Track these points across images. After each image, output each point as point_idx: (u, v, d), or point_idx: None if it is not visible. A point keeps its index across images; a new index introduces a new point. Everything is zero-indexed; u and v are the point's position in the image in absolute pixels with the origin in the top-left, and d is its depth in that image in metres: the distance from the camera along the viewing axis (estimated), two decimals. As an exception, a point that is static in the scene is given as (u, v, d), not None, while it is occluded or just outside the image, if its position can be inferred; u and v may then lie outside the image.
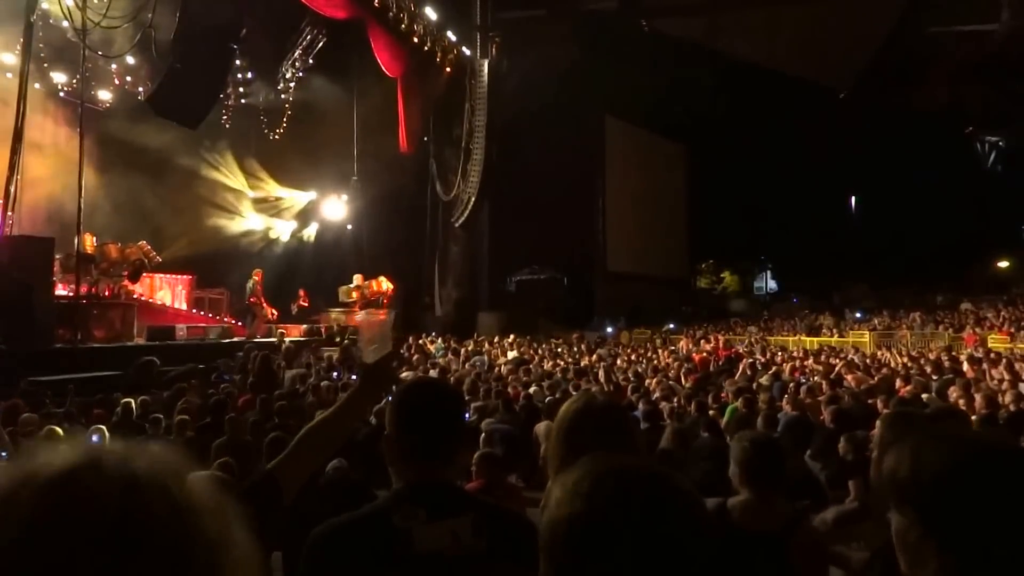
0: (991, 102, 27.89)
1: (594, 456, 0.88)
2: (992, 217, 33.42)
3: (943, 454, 0.95)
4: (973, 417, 5.75)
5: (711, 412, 6.96)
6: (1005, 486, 0.91)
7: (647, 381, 9.86)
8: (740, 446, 2.54)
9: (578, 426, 1.61)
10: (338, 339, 16.33)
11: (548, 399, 8.01)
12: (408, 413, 1.56)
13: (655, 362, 13.80)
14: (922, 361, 12.40)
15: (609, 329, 23.02)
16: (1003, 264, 34.12)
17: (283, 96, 19.59)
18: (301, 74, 19.47)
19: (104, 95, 16.63)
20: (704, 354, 12.61)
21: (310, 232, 22.07)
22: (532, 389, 8.95)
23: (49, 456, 0.57)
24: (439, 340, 17.71)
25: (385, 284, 19.73)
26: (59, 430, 5.56)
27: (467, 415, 6.53)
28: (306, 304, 18.52)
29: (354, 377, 10.71)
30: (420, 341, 17.38)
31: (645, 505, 0.79)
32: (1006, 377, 9.27)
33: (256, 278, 17.08)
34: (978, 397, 6.62)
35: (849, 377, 9.95)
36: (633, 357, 14.88)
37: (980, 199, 33.31)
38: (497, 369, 12.21)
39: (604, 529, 0.77)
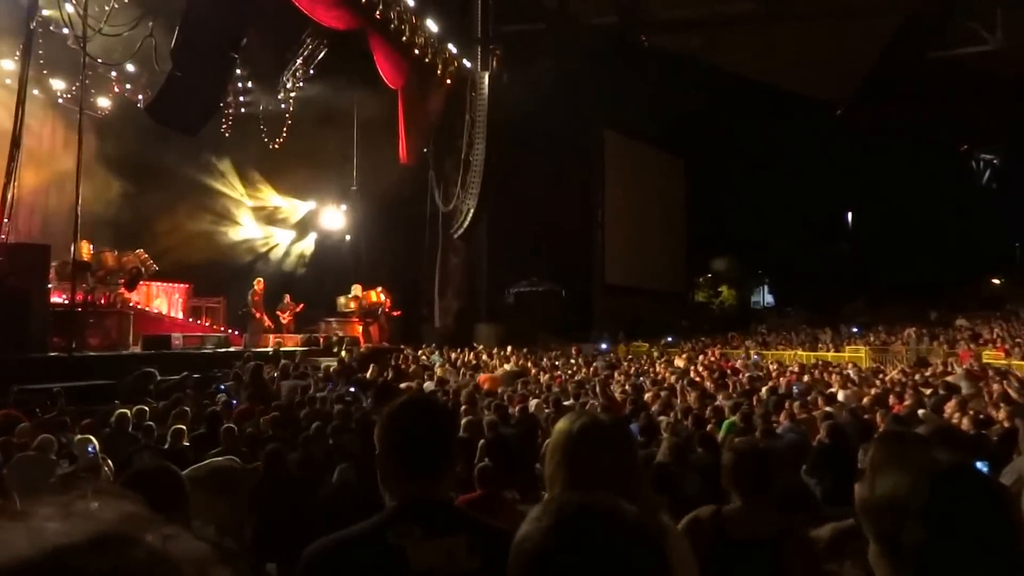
0: (986, 120, 28.12)
1: (567, 493, 0.97)
2: (986, 234, 33.63)
3: (896, 480, 1.01)
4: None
5: (708, 427, 6.95)
6: (951, 507, 0.96)
7: (645, 394, 9.84)
8: (728, 454, 2.70)
9: (581, 444, 1.60)
10: (335, 349, 16.30)
11: (548, 412, 8.00)
12: (399, 432, 1.57)
13: (652, 375, 13.80)
14: (917, 376, 12.41)
15: (604, 345, 22.99)
16: (997, 281, 34.25)
17: (283, 105, 19.65)
18: (302, 84, 19.54)
19: (103, 102, 16.66)
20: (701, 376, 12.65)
21: (309, 242, 22.07)
22: (532, 402, 8.91)
23: (78, 528, 0.53)
24: (436, 352, 17.68)
25: (382, 295, 19.74)
26: (52, 438, 5.53)
27: (460, 429, 6.51)
28: (298, 310, 18.35)
29: (352, 389, 10.69)
30: (419, 352, 17.36)
31: (593, 541, 0.85)
32: (1003, 391, 9.27)
33: (256, 287, 17.05)
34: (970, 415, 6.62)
35: (842, 393, 9.95)
36: (631, 370, 14.86)
37: (975, 216, 33.53)
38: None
39: (553, 559, 0.85)
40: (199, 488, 2.20)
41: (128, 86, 16.61)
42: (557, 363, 16.43)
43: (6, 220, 11.26)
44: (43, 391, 9.01)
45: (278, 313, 17.87)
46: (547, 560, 0.85)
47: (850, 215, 39.58)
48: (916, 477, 1.00)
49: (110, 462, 5.43)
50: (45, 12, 13.07)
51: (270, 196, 21.25)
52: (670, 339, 25.36)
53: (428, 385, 11.31)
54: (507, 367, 14.99)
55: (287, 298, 18.31)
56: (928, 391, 9.42)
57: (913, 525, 0.95)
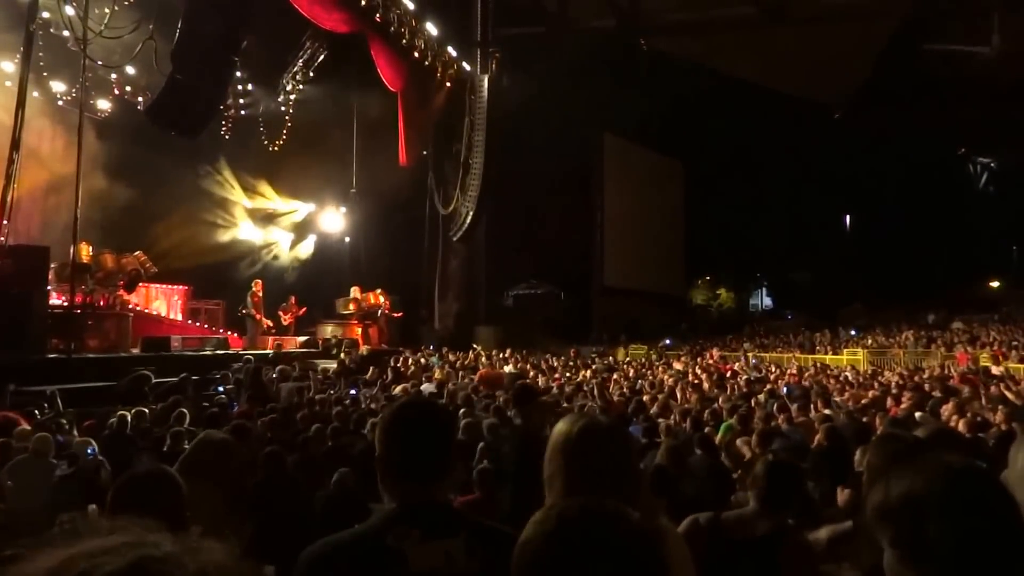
0: (983, 124, 28.19)
1: (569, 499, 0.99)
2: (983, 237, 33.71)
3: (911, 481, 1.03)
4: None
5: (706, 429, 6.96)
6: (967, 508, 0.98)
7: (644, 397, 9.84)
8: (762, 463, 2.73)
9: (580, 446, 1.61)
10: (335, 351, 16.30)
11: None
12: (399, 434, 1.58)
13: (650, 378, 13.79)
14: (916, 379, 12.42)
15: (601, 349, 23.02)
16: (994, 284, 34.31)
17: (283, 108, 19.68)
18: (302, 87, 19.58)
19: (103, 105, 16.66)
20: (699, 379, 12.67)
21: (308, 244, 22.09)
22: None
23: (89, 558, 0.57)
24: (436, 355, 17.68)
25: (381, 297, 19.75)
26: (48, 436, 5.54)
27: (459, 432, 6.52)
28: (301, 312, 18.44)
29: (352, 391, 10.69)
30: (418, 354, 17.36)
31: (595, 546, 0.87)
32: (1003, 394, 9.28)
33: (255, 289, 17.08)
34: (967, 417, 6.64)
35: (844, 395, 9.97)
36: (631, 373, 14.87)
37: (972, 219, 33.61)
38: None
39: (556, 564, 0.88)
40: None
41: (128, 88, 16.61)
42: (556, 365, 16.43)
43: (6, 222, 11.25)
44: (41, 392, 9.01)
45: (280, 313, 17.91)
46: (550, 565, 0.87)
47: (848, 218, 39.66)
48: (932, 475, 1.02)
49: (107, 465, 5.43)
50: (45, 14, 13.09)
51: (269, 198, 21.26)
52: (668, 342, 25.37)
53: (427, 387, 11.30)
54: (507, 369, 15.01)
55: (292, 300, 18.38)
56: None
57: (933, 520, 0.97)
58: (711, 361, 18.42)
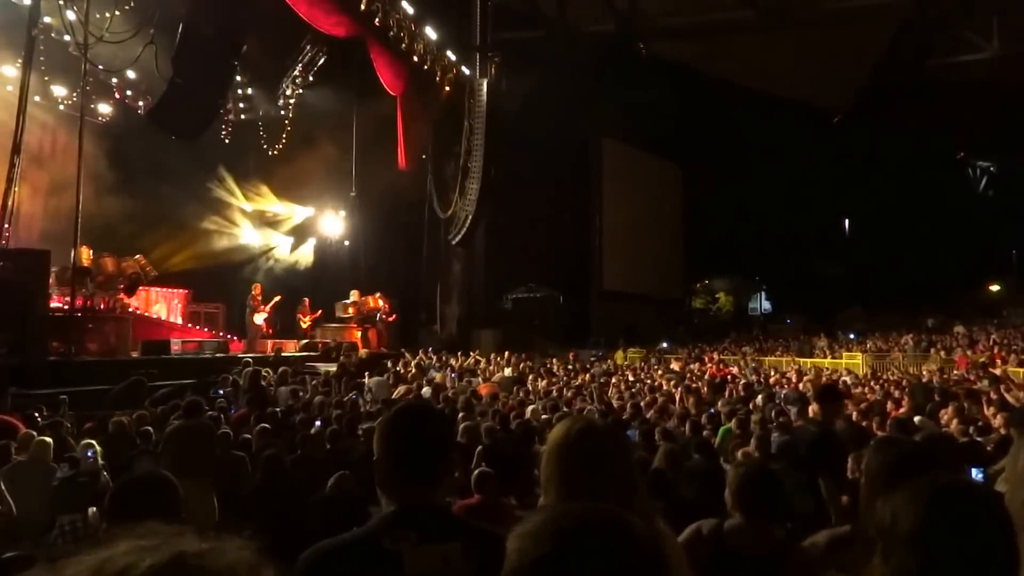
0: (982, 128, 28.23)
1: (565, 503, 0.96)
2: (983, 241, 33.73)
3: (902, 501, 1.08)
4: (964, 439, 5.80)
5: (705, 432, 6.98)
6: (954, 526, 1.03)
7: (642, 400, 9.85)
8: (735, 472, 2.64)
9: (577, 449, 1.62)
10: (334, 355, 16.31)
11: (545, 418, 8.02)
12: (397, 438, 1.59)
13: (649, 381, 13.79)
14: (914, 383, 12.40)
15: (600, 352, 23.01)
16: (994, 288, 34.32)
17: (283, 112, 19.72)
18: (301, 90, 19.62)
19: (104, 109, 16.70)
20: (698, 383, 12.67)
21: (308, 247, 22.10)
22: (529, 408, 8.92)
23: (130, 555, 0.61)
24: (433, 358, 17.66)
25: (380, 301, 19.75)
26: (48, 440, 5.54)
27: (458, 435, 6.53)
28: (318, 315, 18.59)
29: (354, 394, 10.68)
30: (418, 357, 17.35)
31: (596, 553, 0.85)
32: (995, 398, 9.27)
33: (254, 292, 17.11)
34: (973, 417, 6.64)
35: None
36: (631, 377, 14.87)
37: (971, 223, 33.65)
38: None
39: (556, 571, 0.84)
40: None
41: (129, 93, 16.65)
42: (554, 369, 16.42)
43: (7, 225, 11.28)
44: (41, 396, 9.01)
45: (299, 316, 18.06)
46: (549, 571, 0.85)
47: (847, 222, 39.71)
48: (922, 504, 1.06)
49: (107, 468, 5.43)
50: (47, 19, 13.13)
51: (269, 202, 21.28)
52: (665, 345, 25.37)
53: (427, 391, 11.30)
54: (506, 371, 15.01)
55: (306, 302, 18.45)
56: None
57: (914, 549, 1.02)
58: (710, 365, 18.41)
